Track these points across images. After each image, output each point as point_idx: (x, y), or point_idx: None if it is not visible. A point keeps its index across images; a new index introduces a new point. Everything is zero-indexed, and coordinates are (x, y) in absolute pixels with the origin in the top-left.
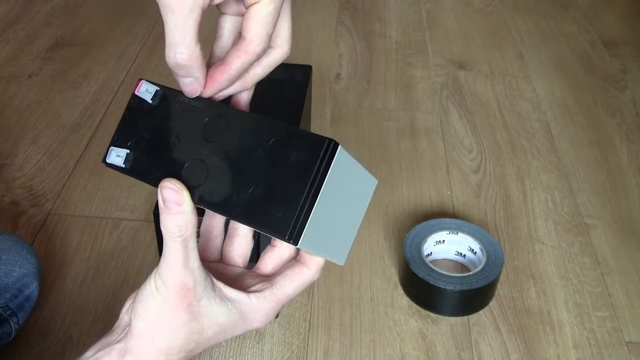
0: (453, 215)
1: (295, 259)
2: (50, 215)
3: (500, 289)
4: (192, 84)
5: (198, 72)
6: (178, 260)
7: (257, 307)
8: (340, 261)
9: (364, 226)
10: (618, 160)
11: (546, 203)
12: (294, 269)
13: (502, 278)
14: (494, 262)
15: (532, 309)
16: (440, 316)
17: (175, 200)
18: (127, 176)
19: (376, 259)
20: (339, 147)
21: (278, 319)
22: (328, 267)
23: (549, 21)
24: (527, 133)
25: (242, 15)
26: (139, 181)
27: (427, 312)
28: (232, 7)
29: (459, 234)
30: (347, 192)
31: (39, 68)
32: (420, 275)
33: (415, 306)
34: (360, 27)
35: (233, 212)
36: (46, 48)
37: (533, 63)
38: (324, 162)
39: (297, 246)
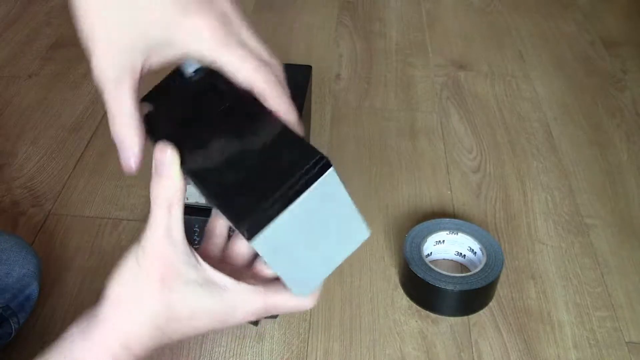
0: (453, 215)
1: None
2: (50, 215)
3: (500, 289)
4: (126, 159)
5: (133, 146)
6: (160, 227)
7: (242, 296)
8: (302, 292)
9: None
10: (618, 160)
11: (546, 203)
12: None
13: (502, 278)
14: (494, 262)
15: (532, 309)
16: (440, 316)
17: (166, 163)
18: (126, 176)
19: (376, 259)
20: (331, 168)
21: (278, 319)
22: None
23: (549, 21)
24: (527, 133)
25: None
26: (139, 181)
27: (427, 312)
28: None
29: (459, 234)
30: (329, 223)
31: (39, 68)
32: (420, 275)
33: (415, 306)
34: (360, 27)
35: (210, 189)
36: (46, 48)
37: (533, 63)
38: (310, 174)
39: (251, 243)
